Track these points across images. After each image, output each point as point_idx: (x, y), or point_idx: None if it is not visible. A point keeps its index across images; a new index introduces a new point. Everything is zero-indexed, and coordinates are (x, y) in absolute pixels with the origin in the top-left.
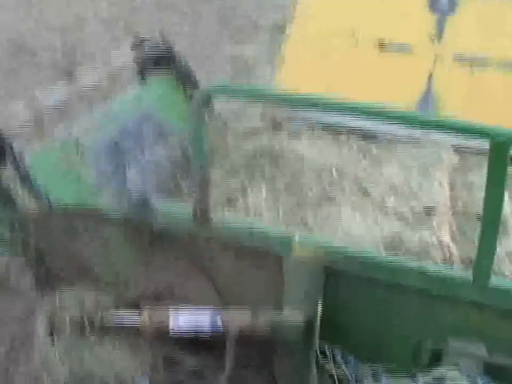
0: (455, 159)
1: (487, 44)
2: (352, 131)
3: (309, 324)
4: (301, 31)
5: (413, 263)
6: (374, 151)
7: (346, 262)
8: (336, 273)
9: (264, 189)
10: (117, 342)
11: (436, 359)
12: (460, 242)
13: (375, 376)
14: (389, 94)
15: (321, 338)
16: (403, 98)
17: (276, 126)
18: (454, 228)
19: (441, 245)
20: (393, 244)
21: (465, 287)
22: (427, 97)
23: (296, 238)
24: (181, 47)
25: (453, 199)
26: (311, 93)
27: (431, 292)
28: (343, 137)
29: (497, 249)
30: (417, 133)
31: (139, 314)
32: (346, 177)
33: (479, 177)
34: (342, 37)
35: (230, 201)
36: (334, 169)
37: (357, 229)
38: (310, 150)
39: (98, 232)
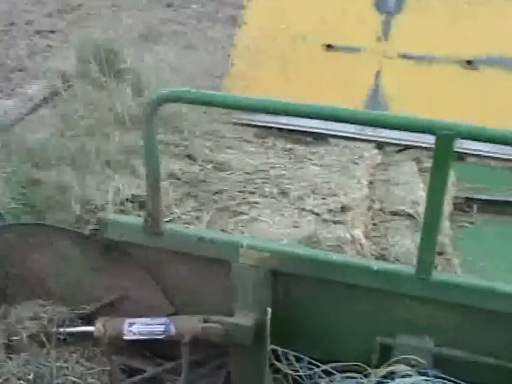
0: (377, 156)
1: (433, 42)
2: (279, 132)
3: (260, 327)
4: (249, 36)
5: (358, 261)
6: (299, 151)
7: (292, 264)
8: (284, 275)
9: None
10: (74, 353)
11: (387, 355)
12: (373, 238)
13: (329, 375)
14: (337, 94)
15: (274, 340)
16: (351, 98)
17: (206, 132)
18: (369, 224)
19: (353, 241)
20: (310, 242)
21: (409, 281)
22: (375, 96)
23: (244, 243)
24: None
25: (371, 196)
26: (258, 97)
27: (377, 289)
28: (270, 140)
29: (410, 243)
30: (343, 130)
31: (94, 324)
32: (269, 180)
33: (398, 174)
34: (289, 40)
35: None
36: (257, 173)
37: (275, 230)
38: (237, 155)
39: (51, 244)
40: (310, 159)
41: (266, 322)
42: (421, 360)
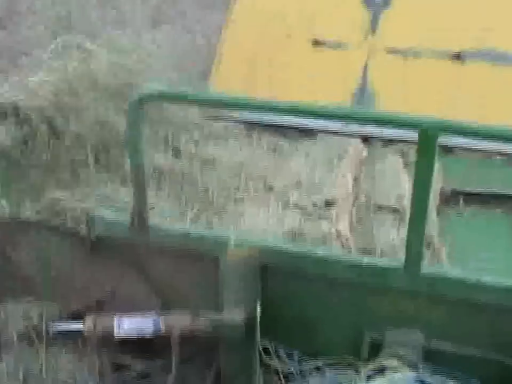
0: (362, 150)
1: (421, 36)
2: (264, 127)
3: (249, 322)
4: (236, 32)
5: (346, 256)
6: (284, 146)
7: (281, 259)
8: (272, 270)
9: (172, 195)
10: (64, 351)
11: (376, 350)
12: (358, 232)
13: (319, 370)
14: (324, 89)
15: (263, 335)
16: (338, 93)
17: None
18: (354, 218)
19: (338, 236)
20: (294, 237)
21: (397, 276)
22: (362, 91)
23: (231, 239)
24: None
25: (356, 191)
26: (244, 94)
27: (366, 283)
28: (255, 135)
29: (395, 237)
30: (328, 125)
31: (84, 322)
32: (254, 175)
33: (383, 168)
34: (276, 35)
35: None
36: (242, 168)
37: (259, 225)
38: (223, 151)
39: (39, 242)
40: (295, 154)
41: (256, 317)
42: (411, 354)
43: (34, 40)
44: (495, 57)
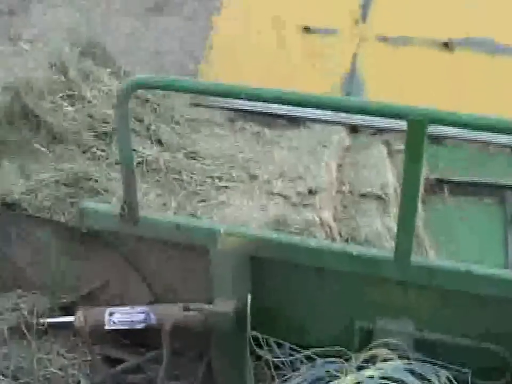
0: (346, 139)
1: (411, 24)
2: (249, 116)
3: (240, 314)
4: (226, 19)
5: (336, 246)
6: (268, 135)
7: (271, 249)
8: (263, 261)
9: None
10: (54, 343)
11: (367, 339)
12: (342, 221)
13: (310, 360)
14: (313, 76)
15: (254, 327)
16: (328, 80)
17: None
18: (338, 206)
19: (322, 224)
20: (278, 225)
21: (388, 266)
22: (352, 79)
23: (221, 230)
24: None
25: (340, 179)
26: (233, 82)
27: (356, 273)
28: (239, 124)
29: (379, 225)
30: (313, 114)
31: (75, 314)
32: (238, 164)
33: (367, 156)
34: (266, 22)
35: None
36: (225, 157)
37: (243, 214)
38: (208, 139)
39: (29, 234)
40: (279, 143)
41: (246, 309)
42: (402, 344)
43: None
44: (484, 46)
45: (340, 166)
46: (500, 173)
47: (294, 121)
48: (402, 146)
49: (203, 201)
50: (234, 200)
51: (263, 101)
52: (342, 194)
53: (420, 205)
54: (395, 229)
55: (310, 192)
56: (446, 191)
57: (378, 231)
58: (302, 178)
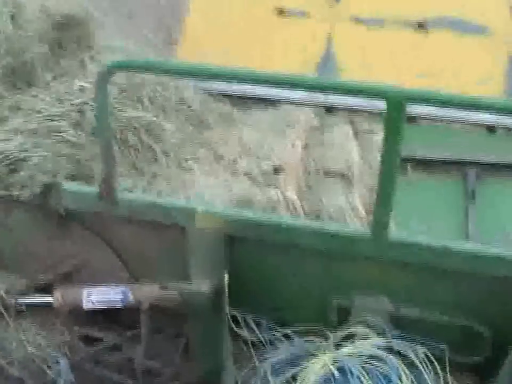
0: (314, 120)
1: (384, 6)
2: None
3: (218, 293)
4: (201, 1)
5: (312, 224)
6: (235, 114)
7: (247, 228)
8: (239, 239)
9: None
10: (33, 324)
11: (345, 317)
12: (306, 198)
13: (288, 338)
14: (289, 58)
15: (232, 305)
16: (303, 62)
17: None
18: (302, 185)
19: (286, 201)
20: (243, 203)
21: (365, 242)
22: (326, 60)
23: (198, 209)
24: None
25: (306, 159)
26: (209, 64)
27: (332, 250)
28: (210, 104)
29: (343, 202)
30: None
31: (52, 295)
32: (205, 144)
33: (333, 136)
34: (240, 4)
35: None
36: (193, 137)
37: (209, 193)
38: (175, 120)
39: (5, 215)
40: (246, 123)
41: (223, 287)
42: (380, 321)
43: None
44: (458, 26)
45: (306, 145)
46: (467, 150)
47: (263, 102)
48: (367, 126)
49: (168, 181)
50: (200, 179)
51: (239, 82)
52: (307, 173)
53: None
54: (359, 206)
55: (275, 171)
56: (409, 168)
57: (342, 208)
58: (268, 158)
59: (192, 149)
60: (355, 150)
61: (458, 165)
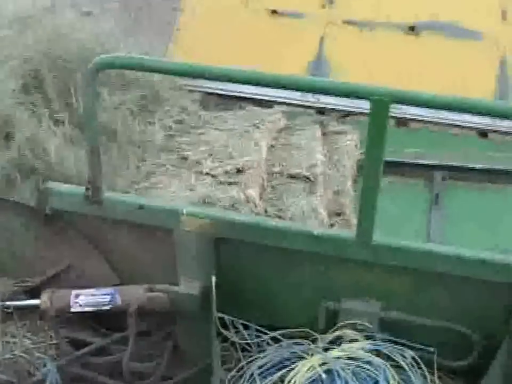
0: (282, 121)
1: (377, 9)
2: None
3: (206, 295)
4: (194, 2)
5: (298, 226)
6: (202, 116)
7: (233, 230)
8: (227, 242)
9: None
10: (20, 327)
11: (333, 320)
12: (269, 200)
13: (277, 342)
14: (280, 59)
15: (220, 308)
16: (295, 63)
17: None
18: (266, 186)
19: (247, 201)
20: (204, 203)
21: (350, 246)
22: (318, 61)
23: (184, 211)
24: None
25: (271, 160)
26: (202, 63)
27: (319, 254)
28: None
29: (305, 204)
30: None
31: (40, 297)
32: (170, 146)
33: (300, 137)
34: (234, 4)
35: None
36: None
37: (173, 194)
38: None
39: None
40: (213, 124)
41: (211, 290)
42: (368, 324)
43: None
44: (449, 30)
45: (272, 146)
46: (435, 152)
47: (227, 103)
48: (337, 127)
49: (132, 184)
50: (163, 181)
51: (229, 81)
52: (271, 174)
53: (349, 184)
54: (320, 209)
55: (238, 171)
56: None
57: (303, 210)
58: (231, 158)
59: (156, 152)
60: (320, 152)
61: (426, 167)
